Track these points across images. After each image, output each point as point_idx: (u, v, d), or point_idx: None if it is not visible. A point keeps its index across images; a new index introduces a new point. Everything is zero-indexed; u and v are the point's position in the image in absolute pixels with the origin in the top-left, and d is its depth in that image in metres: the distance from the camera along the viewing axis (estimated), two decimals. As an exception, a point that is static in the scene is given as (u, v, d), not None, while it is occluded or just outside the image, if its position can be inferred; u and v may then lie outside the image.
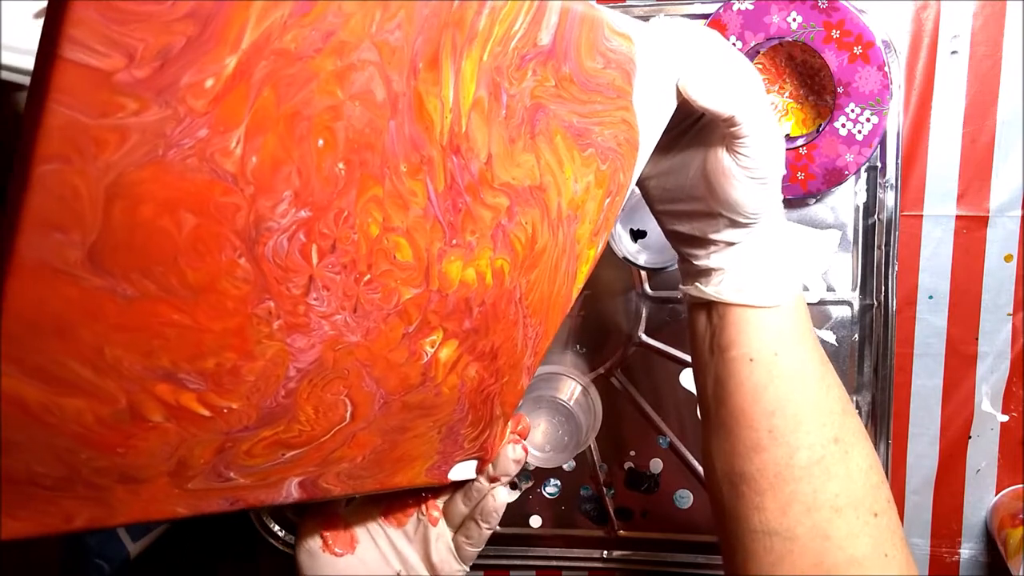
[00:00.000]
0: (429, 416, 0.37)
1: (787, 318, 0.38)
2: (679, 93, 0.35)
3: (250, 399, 0.30)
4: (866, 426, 0.58)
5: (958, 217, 0.60)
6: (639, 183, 0.40)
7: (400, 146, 0.28)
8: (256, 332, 0.28)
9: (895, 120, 0.56)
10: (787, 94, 0.59)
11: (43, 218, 0.22)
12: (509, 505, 0.44)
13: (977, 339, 0.61)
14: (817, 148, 0.56)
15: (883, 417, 0.60)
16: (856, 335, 0.61)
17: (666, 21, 0.35)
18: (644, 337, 0.63)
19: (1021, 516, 0.60)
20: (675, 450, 0.65)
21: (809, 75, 0.58)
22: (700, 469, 0.65)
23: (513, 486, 0.67)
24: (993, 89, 0.58)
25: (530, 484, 0.68)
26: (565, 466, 0.67)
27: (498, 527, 0.44)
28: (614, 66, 0.33)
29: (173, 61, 0.22)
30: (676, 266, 0.41)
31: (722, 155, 0.36)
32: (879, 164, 0.58)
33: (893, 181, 0.57)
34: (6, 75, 0.43)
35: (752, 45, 0.56)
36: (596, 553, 0.68)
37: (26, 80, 0.43)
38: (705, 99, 0.34)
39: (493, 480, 0.43)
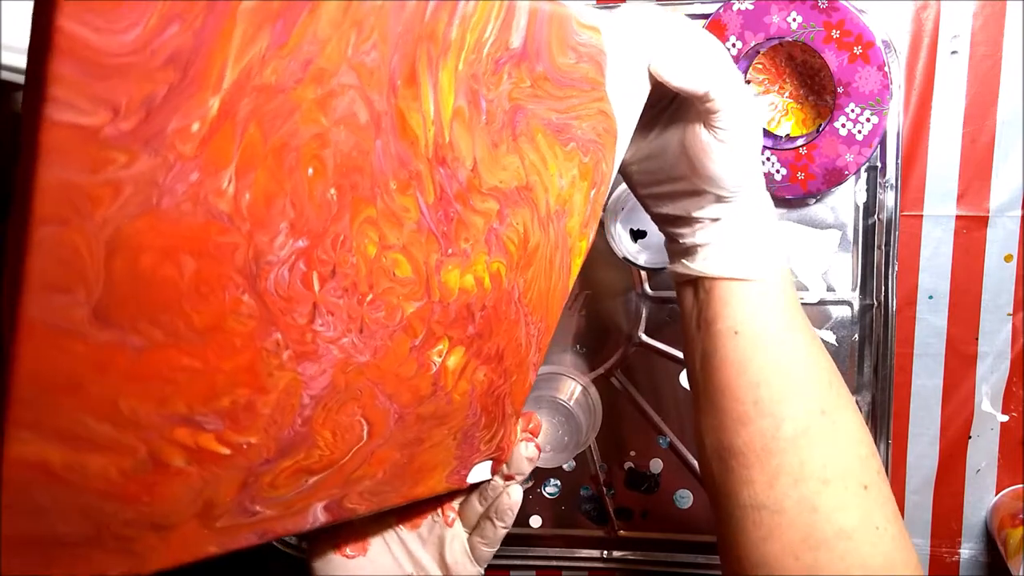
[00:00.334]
0: (444, 424, 0.37)
1: (771, 290, 0.38)
2: (652, 77, 0.35)
3: (268, 431, 0.30)
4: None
5: (958, 217, 0.60)
6: (622, 170, 0.41)
7: (388, 164, 0.28)
8: (267, 365, 0.28)
9: (895, 120, 0.56)
10: (787, 94, 0.59)
11: (46, 281, 0.22)
12: (509, 505, 0.44)
13: (977, 339, 0.61)
14: (817, 148, 0.56)
15: (883, 417, 0.60)
16: (856, 335, 0.61)
17: (631, 7, 0.36)
18: (644, 337, 0.63)
19: (1021, 516, 0.60)
20: (675, 450, 0.65)
21: (809, 75, 0.58)
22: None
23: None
24: (993, 89, 0.58)
25: (530, 484, 0.68)
26: (565, 466, 0.67)
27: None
28: (586, 59, 0.33)
29: (158, 109, 0.22)
30: (668, 271, 0.42)
31: (700, 131, 0.36)
32: (879, 164, 0.58)
33: (893, 181, 0.58)
34: (6, 75, 0.43)
35: (752, 45, 0.56)
36: (596, 553, 0.68)
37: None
38: (678, 79, 0.34)
39: (508, 479, 0.43)
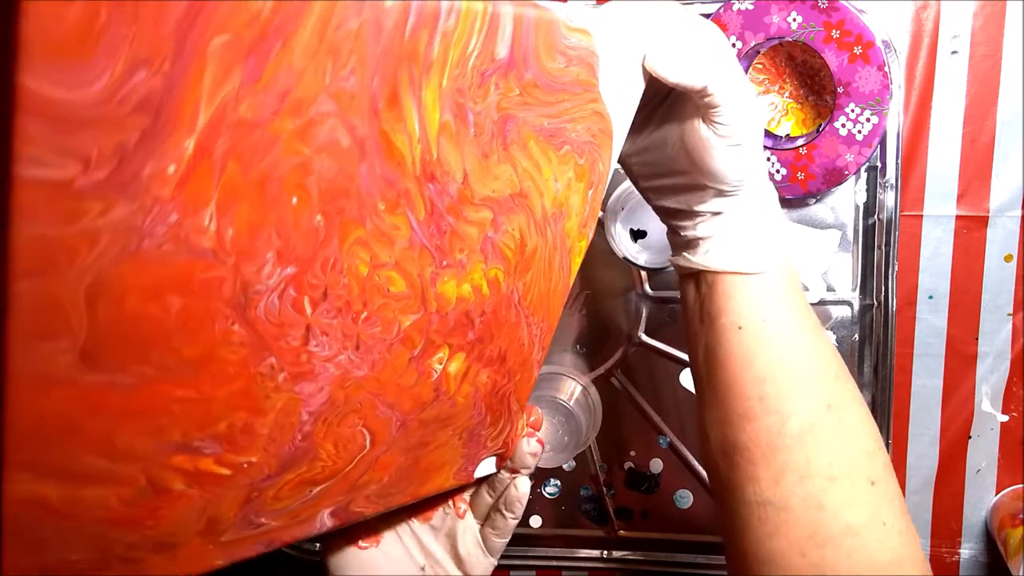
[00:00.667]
0: (448, 426, 0.37)
1: (775, 284, 0.37)
2: (647, 72, 0.34)
3: (268, 449, 0.30)
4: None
5: (958, 217, 0.60)
6: (622, 162, 0.40)
7: (375, 186, 0.28)
8: (262, 388, 0.28)
9: (895, 120, 0.56)
10: (787, 94, 0.59)
11: (28, 332, 0.22)
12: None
13: (977, 339, 0.61)
14: (817, 148, 0.56)
15: (883, 417, 0.60)
16: (856, 335, 0.61)
17: (622, 3, 0.34)
18: (644, 337, 0.63)
19: (1021, 516, 0.60)
20: (675, 450, 0.65)
21: (809, 75, 0.58)
22: (700, 469, 0.65)
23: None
24: (993, 89, 0.58)
25: (532, 482, 0.68)
26: (565, 466, 0.67)
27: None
28: (576, 62, 0.32)
29: (131, 156, 0.22)
30: (671, 263, 0.41)
31: (699, 126, 0.35)
32: (879, 164, 0.58)
33: (893, 181, 0.58)
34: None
35: (752, 45, 0.56)
36: (596, 553, 0.68)
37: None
38: (674, 74, 0.33)
39: (514, 472, 0.43)
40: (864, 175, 0.60)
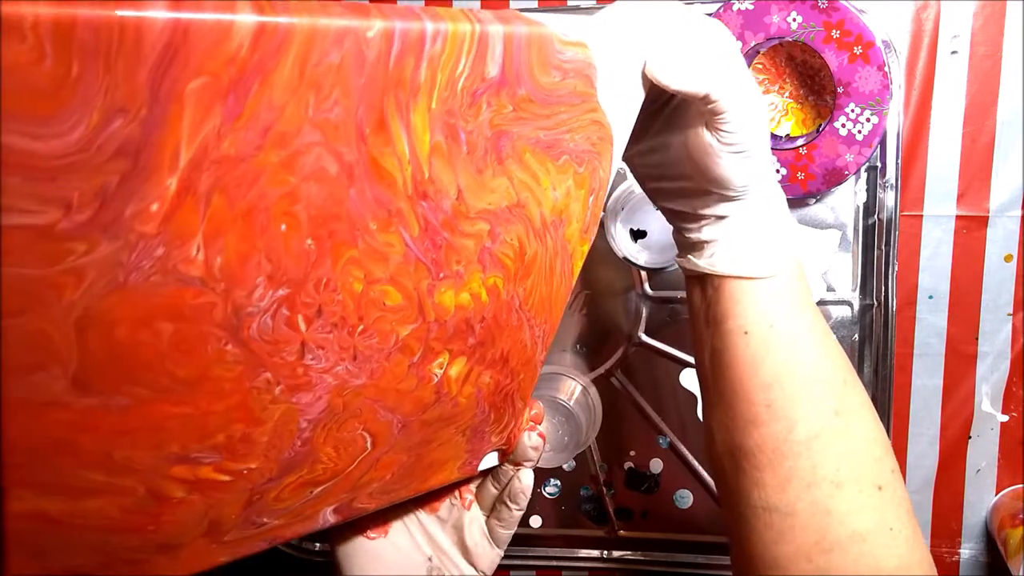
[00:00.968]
0: (451, 424, 0.37)
1: (782, 289, 0.36)
2: (649, 78, 0.33)
3: (268, 456, 0.30)
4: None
5: (958, 217, 0.60)
6: (626, 161, 0.39)
7: (365, 208, 0.28)
8: (259, 401, 0.29)
9: (895, 120, 0.56)
10: (787, 94, 0.59)
11: (19, 364, 0.23)
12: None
13: (977, 339, 0.61)
14: (817, 148, 0.56)
15: (883, 417, 0.60)
16: (856, 335, 0.61)
17: (623, 5, 0.33)
18: (644, 337, 0.63)
19: (1021, 516, 0.60)
20: (675, 450, 0.65)
21: (809, 75, 0.58)
22: (700, 469, 0.65)
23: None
24: (993, 89, 0.58)
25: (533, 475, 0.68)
26: (565, 466, 0.67)
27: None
28: (572, 75, 0.31)
29: (112, 198, 0.22)
30: (676, 266, 0.41)
31: (703, 133, 0.34)
32: (879, 164, 0.58)
33: (893, 181, 0.57)
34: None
35: (752, 45, 0.56)
36: (596, 553, 0.68)
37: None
38: (676, 82, 0.32)
39: (516, 465, 0.43)
40: (864, 175, 0.60)
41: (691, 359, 0.62)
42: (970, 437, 0.63)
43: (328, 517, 0.35)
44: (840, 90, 0.54)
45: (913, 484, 0.64)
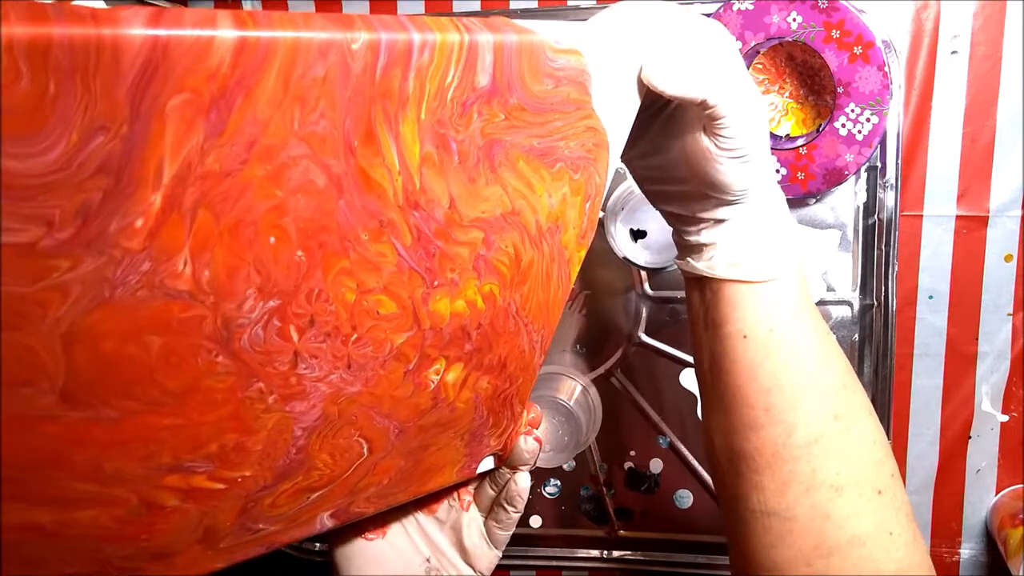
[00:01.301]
0: (449, 429, 0.37)
1: (782, 293, 0.36)
2: (645, 84, 0.33)
3: (262, 464, 0.30)
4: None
5: (958, 217, 0.60)
6: (625, 163, 0.39)
7: (356, 219, 0.27)
8: (252, 410, 0.29)
9: (895, 120, 0.56)
10: (787, 94, 0.59)
11: (7, 379, 0.23)
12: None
13: (977, 339, 0.61)
14: (817, 148, 0.56)
15: (883, 417, 0.60)
16: (856, 335, 0.61)
17: (618, 8, 0.33)
18: (644, 337, 0.63)
19: (1021, 516, 0.60)
20: (675, 450, 0.65)
21: (809, 75, 0.58)
22: (700, 469, 0.65)
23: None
24: (993, 89, 0.58)
25: (531, 483, 0.68)
26: (565, 466, 0.67)
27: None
28: (566, 82, 0.31)
29: (95, 215, 0.22)
30: (676, 265, 0.41)
31: (701, 138, 0.34)
32: (879, 164, 0.58)
33: (893, 181, 0.57)
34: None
35: (752, 45, 0.56)
36: (596, 553, 0.68)
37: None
38: (672, 87, 0.32)
39: (513, 468, 0.43)
40: (864, 175, 0.59)
41: (691, 359, 0.62)
42: (970, 437, 0.63)
43: (325, 522, 0.35)
44: (840, 90, 0.54)
45: (913, 484, 0.64)
